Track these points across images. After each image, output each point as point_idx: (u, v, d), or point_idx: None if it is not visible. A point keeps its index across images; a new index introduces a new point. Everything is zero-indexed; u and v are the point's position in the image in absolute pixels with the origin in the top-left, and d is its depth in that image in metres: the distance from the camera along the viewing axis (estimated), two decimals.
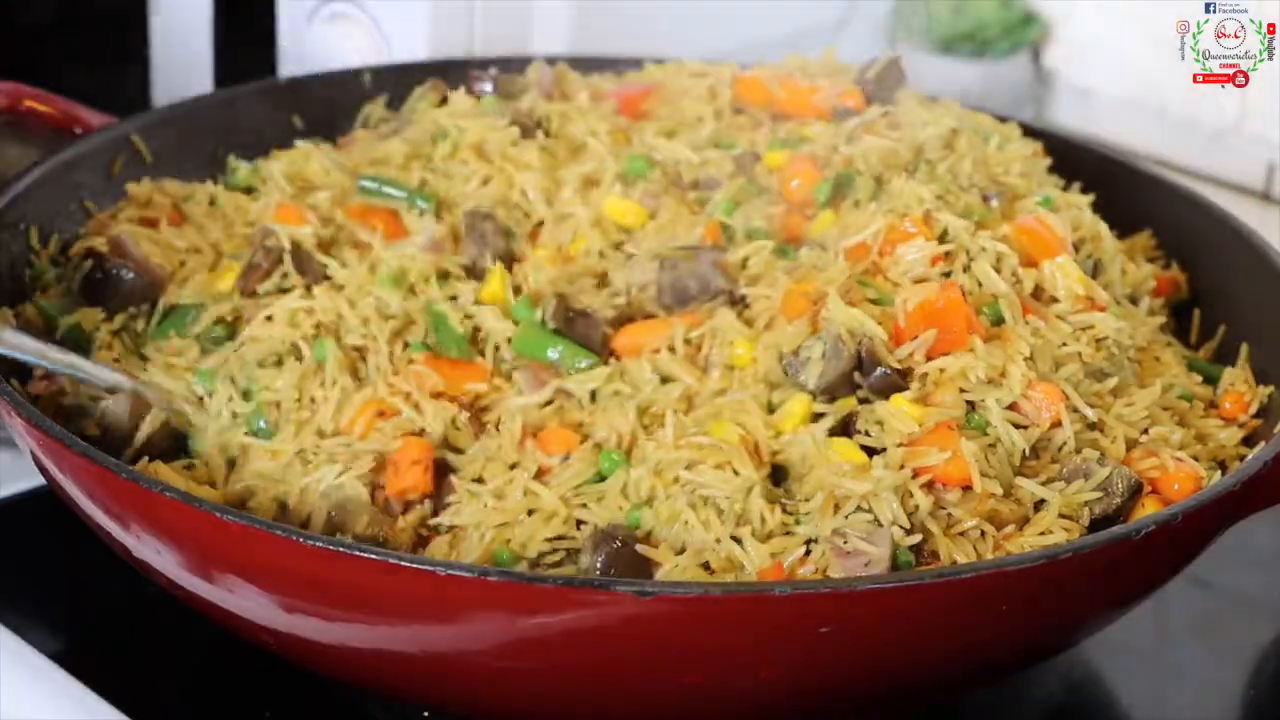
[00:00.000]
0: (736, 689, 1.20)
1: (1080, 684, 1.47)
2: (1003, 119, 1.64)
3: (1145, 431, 1.38)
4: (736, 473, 1.29)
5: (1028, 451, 1.32)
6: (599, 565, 1.26)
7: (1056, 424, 1.34)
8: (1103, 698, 1.48)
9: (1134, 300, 1.53)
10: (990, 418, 1.32)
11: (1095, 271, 1.48)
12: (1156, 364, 1.48)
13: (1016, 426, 1.33)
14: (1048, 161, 1.62)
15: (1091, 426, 1.36)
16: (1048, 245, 1.43)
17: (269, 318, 1.42)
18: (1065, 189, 1.60)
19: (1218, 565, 1.41)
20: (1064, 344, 1.38)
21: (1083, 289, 1.42)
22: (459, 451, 1.37)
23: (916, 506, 1.26)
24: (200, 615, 1.31)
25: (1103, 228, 1.52)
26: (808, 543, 1.26)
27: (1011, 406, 1.33)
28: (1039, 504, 1.30)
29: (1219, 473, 1.37)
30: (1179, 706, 1.49)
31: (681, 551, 1.27)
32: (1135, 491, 1.32)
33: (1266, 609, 1.60)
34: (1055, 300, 1.42)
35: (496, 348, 1.41)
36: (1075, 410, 1.35)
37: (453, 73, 1.72)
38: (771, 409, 1.34)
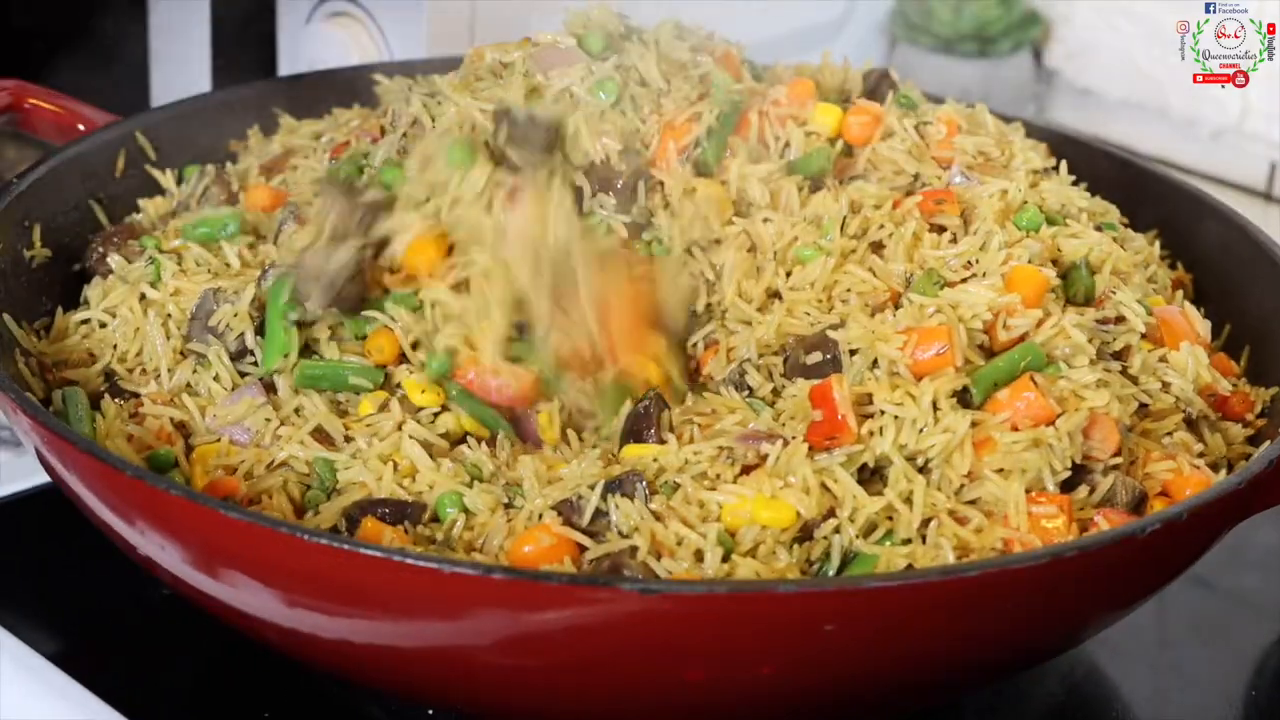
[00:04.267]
0: (739, 686, 1.20)
1: (1081, 683, 1.46)
2: (1006, 119, 1.63)
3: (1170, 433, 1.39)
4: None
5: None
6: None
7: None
8: (1104, 697, 1.48)
9: None
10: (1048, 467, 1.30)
11: None
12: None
13: None
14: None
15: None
16: (1180, 335, 1.43)
17: None
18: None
19: (1219, 565, 1.42)
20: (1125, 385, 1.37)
21: (1209, 378, 1.41)
22: None
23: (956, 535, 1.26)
24: (201, 615, 1.30)
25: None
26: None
27: None
28: None
29: (1224, 472, 1.37)
30: (1180, 706, 1.49)
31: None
32: (1140, 501, 1.32)
33: (1267, 609, 1.60)
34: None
35: None
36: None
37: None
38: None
